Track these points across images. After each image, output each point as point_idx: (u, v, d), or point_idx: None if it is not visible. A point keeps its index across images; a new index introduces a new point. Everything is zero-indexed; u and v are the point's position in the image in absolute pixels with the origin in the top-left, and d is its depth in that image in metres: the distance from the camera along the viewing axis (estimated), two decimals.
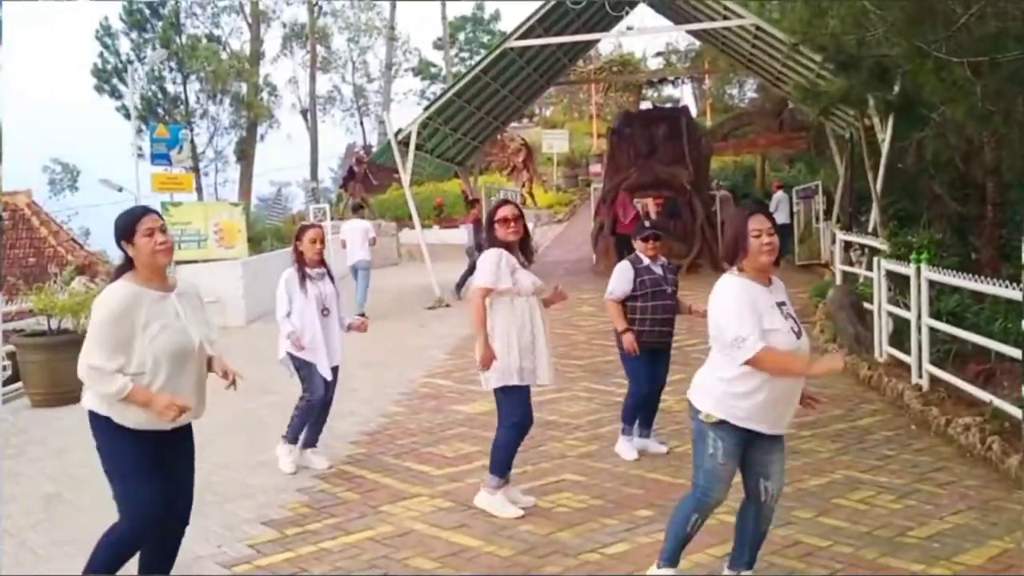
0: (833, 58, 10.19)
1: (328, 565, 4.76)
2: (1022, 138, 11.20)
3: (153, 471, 3.85)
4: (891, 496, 5.41)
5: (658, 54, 39.45)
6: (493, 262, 5.27)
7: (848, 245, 13.54)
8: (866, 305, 10.24)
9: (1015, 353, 6.87)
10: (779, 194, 21.37)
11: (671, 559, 4.06)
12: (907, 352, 8.19)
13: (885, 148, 13.74)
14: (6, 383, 9.81)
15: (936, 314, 8.04)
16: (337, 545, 5.05)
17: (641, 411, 6.56)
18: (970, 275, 7.62)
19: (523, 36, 16.68)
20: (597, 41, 22.67)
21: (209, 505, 5.67)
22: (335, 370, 6.53)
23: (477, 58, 30.13)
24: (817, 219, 19.36)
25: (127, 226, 3.86)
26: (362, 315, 13.89)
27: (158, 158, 16.00)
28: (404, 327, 13.65)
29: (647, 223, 6.84)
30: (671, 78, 37.03)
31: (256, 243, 19.69)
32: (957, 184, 14.46)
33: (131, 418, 3.80)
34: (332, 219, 25.06)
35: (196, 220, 15.50)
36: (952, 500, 5.36)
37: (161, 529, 3.95)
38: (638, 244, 6.46)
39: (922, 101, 11.04)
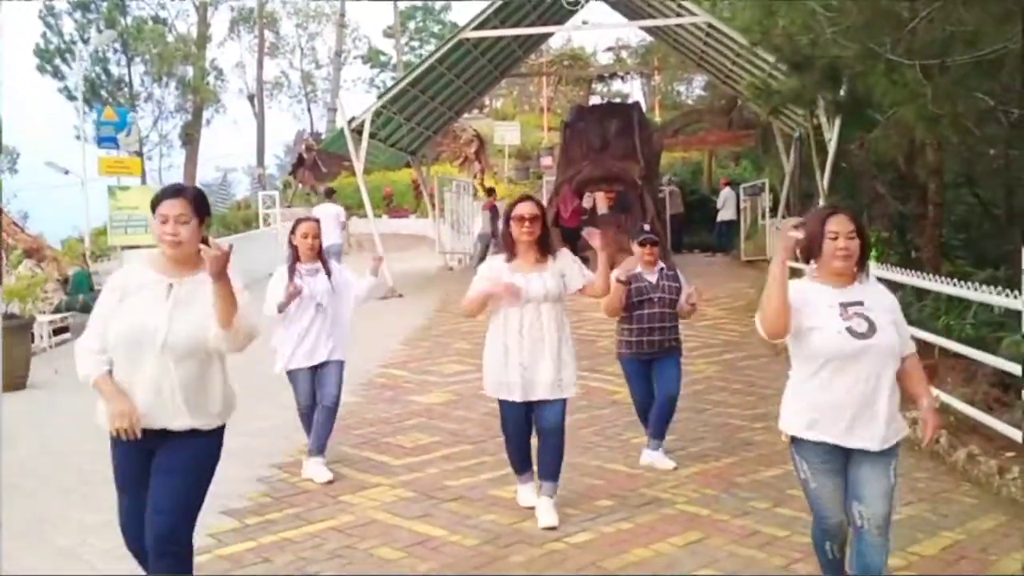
0: (787, 58, 10.37)
1: (291, 554, 4.74)
2: (964, 140, 11.53)
3: (130, 483, 3.53)
4: None
5: (608, 49, 39.66)
6: (478, 277, 5.14)
7: (794, 228, 13.75)
8: None
9: (959, 349, 7.10)
10: (726, 191, 21.65)
11: None
12: None
13: (832, 147, 14.03)
14: None
15: None
16: (299, 535, 5.03)
17: (645, 420, 6.28)
18: (916, 272, 7.84)
19: (479, 27, 16.66)
20: (552, 34, 22.72)
21: None
22: (333, 366, 6.09)
23: (428, 47, 30.10)
24: (763, 216, 19.66)
25: (153, 203, 3.55)
26: None
27: (105, 141, 15.72)
28: (356, 318, 13.56)
29: (645, 227, 6.48)
30: (621, 73, 37.24)
31: None
32: (898, 184, 14.82)
33: (103, 419, 3.47)
34: (280, 206, 24.82)
35: (144, 205, 15.18)
36: (903, 492, 5.48)
37: (139, 555, 3.60)
38: (636, 249, 6.18)
39: (870, 102, 11.30)
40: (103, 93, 35.10)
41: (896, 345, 3.53)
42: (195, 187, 3.75)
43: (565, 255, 5.16)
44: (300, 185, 30.47)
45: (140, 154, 28.07)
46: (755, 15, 12.72)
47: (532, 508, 5.19)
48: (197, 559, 4.43)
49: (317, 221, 6.30)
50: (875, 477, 3.55)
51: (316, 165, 29.48)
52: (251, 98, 45.75)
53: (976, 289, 6.70)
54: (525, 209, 5.03)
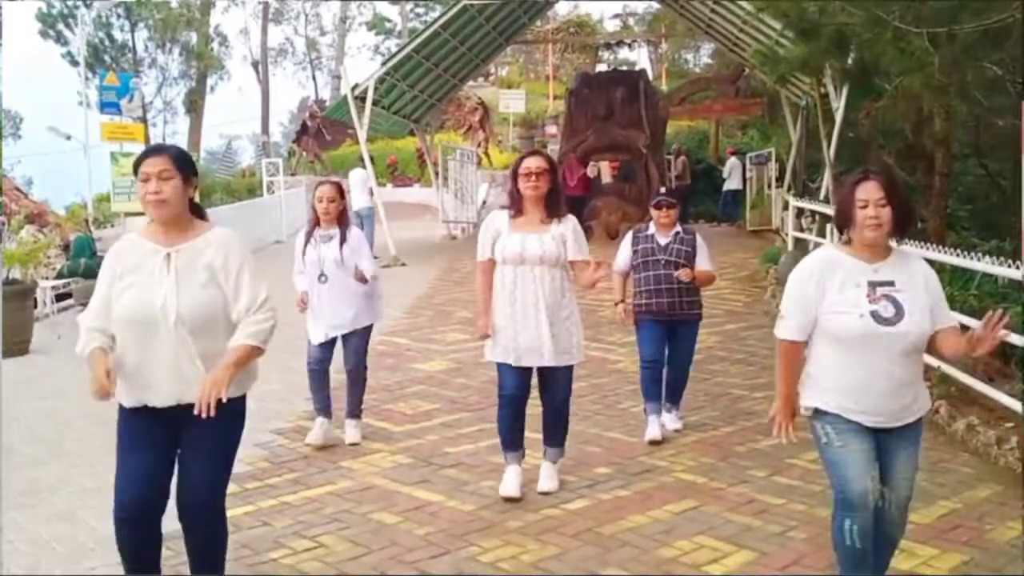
0: (793, 25, 10.24)
1: (290, 518, 4.77)
2: (971, 109, 11.43)
3: (135, 453, 3.36)
4: None
5: (615, 16, 39.36)
6: (480, 233, 5.03)
7: (800, 212, 13.73)
8: None
9: (962, 320, 7.06)
10: (732, 160, 21.57)
11: None
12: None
13: (839, 116, 13.92)
14: None
15: None
16: (298, 499, 5.06)
17: (655, 385, 6.10)
18: (921, 243, 7.80)
19: None
20: (556, 0, 22.51)
21: None
22: (352, 340, 6.04)
23: (433, 14, 29.70)
24: (769, 185, 19.57)
25: (134, 166, 3.37)
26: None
27: (107, 107, 15.63)
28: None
29: (662, 190, 6.42)
30: (628, 41, 36.94)
31: (206, 196, 19.41)
32: (905, 154, 14.72)
33: (121, 393, 3.36)
34: (284, 174, 24.76)
35: None
36: None
37: (138, 519, 3.38)
38: (652, 212, 6.12)
39: (878, 71, 11.18)
40: (106, 58, 34.87)
41: (925, 331, 3.33)
42: (177, 146, 3.61)
43: (570, 221, 4.94)
44: (304, 153, 30.40)
45: (144, 120, 27.99)
46: None
47: (512, 500, 4.91)
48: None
49: (335, 184, 6.12)
50: (902, 461, 3.44)
51: (320, 133, 29.41)
52: (255, 65, 45.59)
53: (979, 260, 6.66)
54: (532, 163, 4.84)
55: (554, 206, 4.90)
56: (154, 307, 3.27)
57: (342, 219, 5.98)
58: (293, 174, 27.46)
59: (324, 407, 6.12)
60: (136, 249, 3.39)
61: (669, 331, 6.14)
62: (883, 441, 3.41)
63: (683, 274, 5.97)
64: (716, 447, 5.86)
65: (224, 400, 3.18)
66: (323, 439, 6.01)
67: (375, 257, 13.74)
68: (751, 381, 7.66)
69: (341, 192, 6.07)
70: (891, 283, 3.33)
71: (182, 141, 38.52)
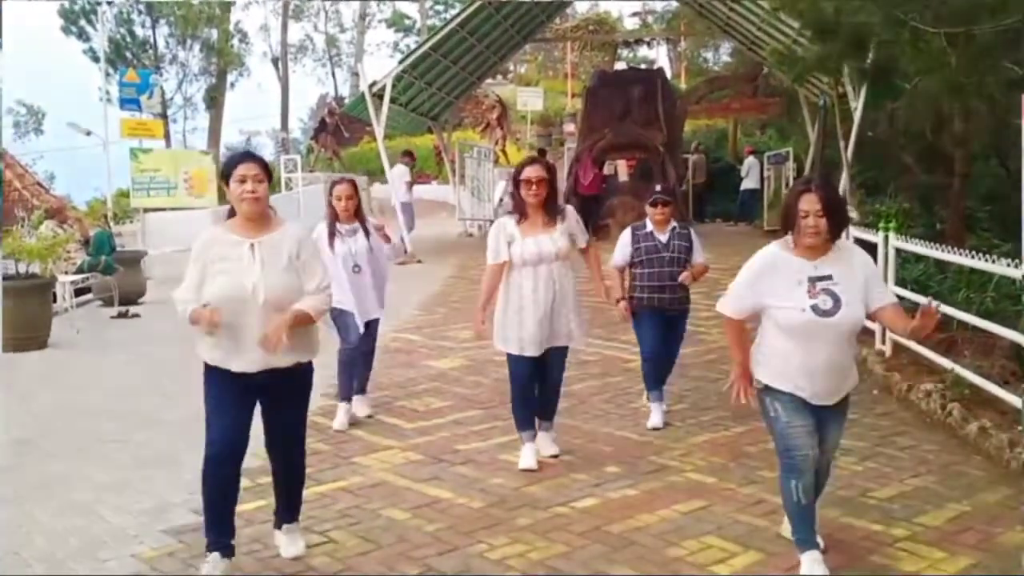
0: (811, 25, 10.22)
1: (301, 514, 4.79)
2: (991, 110, 11.35)
3: (223, 410, 3.96)
4: (853, 458, 5.54)
5: (634, 14, 39.25)
6: (491, 238, 5.42)
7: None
8: None
9: (977, 322, 7.04)
10: (750, 159, 21.47)
11: (803, 541, 3.95)
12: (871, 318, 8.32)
13: (857, 116, 13.85)
14: None
15: (901, 282, 8.18)
16: (309, 494, 5.04)
17: (658, 373, 6.45)
18: (935, 245, 7.77)
19: None
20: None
21: (182, 453, 5.70)
22: (372, 324, 6.56)
23: (453, 11, 29.77)
24: (787, 185, 19.46)
25: (225, 169, 3.98)
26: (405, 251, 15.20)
27: (127, 103, 15.75)
28: None
29: (657, 187, 6.66)
30: (647, 39, 36.83)
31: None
32: (925, 154, 14.62)
33: (207, 354, 3.96)
34: (302, 170, 24.85)
35: (165, 167, 15.30)
36: (912, 464, 5.50)
37: (231, 465, 4.00)
38: (648, 209, 6.35)
39: (896, 71, 11.12)
40: (127, 55, 35.14)
41: (859, 318, 3.83)
42: (261, 156, 4.30)
43: (571, 215, 5.45)
44: (322, 149, 30.49)
45: (164, 116, 28.21)
46: None
47: (531, 471, 5.39)
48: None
49: (351, 182, 6.50)
50: (833, 429, 4.03)
51: (339, 130, 29.50)
52: (275, 61, 45.76)
53: (994, 261, 6.62)
54: (531, 172, 5.27)
55: (552, 209, 5.36)
56: (246, 289, 3.86)
57: (359, 214, 6.39)
58: (311, 170, 27.55)
59: (348, 395, 6.54)
60: (221, 240, 3.97)
61: (666, 324, 6.41)
62: (820, 415, 3.94)
63: (686, 278, 6.23)
64: (726, 447, 5.87)
65: (284, 340, 3.82)
66: (347, 424, 6.43)
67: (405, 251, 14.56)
68: None
69: (356, 189, 6.44)
70: (829, 277, 3.78)
71: (202, 137, 38.82)
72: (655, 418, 6.31)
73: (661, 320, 6.36)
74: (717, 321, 6.61)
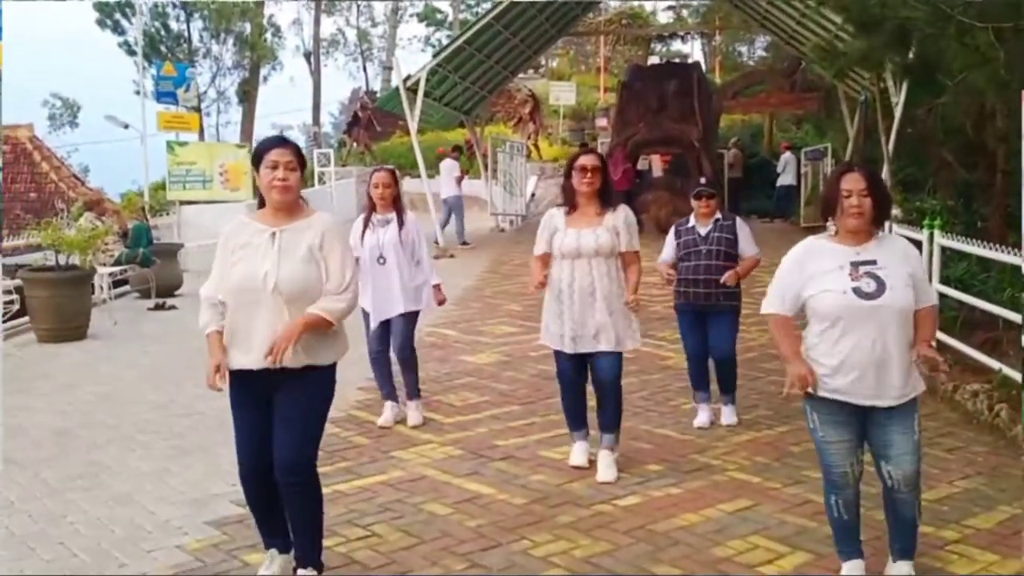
0: (855, 19, 10.07)
1: (343, 507, 4.79)
2: None
3: (242, 422, 3.75)
4: None
5: (668, 8, 38.99)
6: (539, 229, 5.25)
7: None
8: None
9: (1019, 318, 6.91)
10: (787, 155, 21.27)
11: (844, 552, 3.82)
12: None
13: (898, 112, 13.67)
14: (13, 317, 9.81)
15: (944, 280, 8.05)
16: (351, 488, 5.09)
17: (701, 374, 6.27)
18: (980, 242, 7.64)
19: None
20: None
21: (221, 446, 5.71)
22: (400, 321, 6.16)
23: (485, 6, 29.71)
24: (824, 181, 19.28)
25: (257, 153, 3.75)
26: (465, 243, 15.92)
27: (164, 96, 15.87)
28: None
29: (702, 179, 6.61)
30: (681, 33, 36.60)
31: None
32: (966, 151, 14.38)
33: (229, 357, 3.70)
34: (335, 164, 24.92)
35: (201, 160, 15.39)
36: (960, 465, 5.40)
37: (260, 467, 3.74)
38: (692, 202, 6.22)
39: (940, 66, 10.93)
40: (162, 48, 35.42)
41: (908, 303, 3.56)
42: (295, 142, 3.92)
43: (622, 211, 5.19)
44: (355, 144, 30.54)
45: (198, 110, 28.37)
46: None
47: (580, 468, 5.27)
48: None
49: (390, 171, 6.30)
50: (899, 436, 3.63)
51: (371, 124, 29.50)
52: (307, 55, 45.90)
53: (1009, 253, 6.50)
54: (587, 160, 5.12)
55: (605, 200, 5.16)
56: (257, 277, 3.62)
57: (397, 204, 6.16)
58: (344, 164, 27.61)
59: (390, 392, 6.38)
60: (245, 230, 3.75)
61: (707, 321, 6.22)
62: (875, 421, 3.64)
63: (729, 278, 6.00)
64: (770, 446, 5.79)
65: (290, 351, 3.54)
66: (393, 421, 6.27)
67: (465, 243, 14.89)
68: None
69: (395, 178, 6.24)
70: (873, 262, 3.58)
71: (235, 131, 39.07)
72: (702, 417, 6.21)
73: (699, 317, 6.19)
74: (756, 319, 6.54)
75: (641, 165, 17.97)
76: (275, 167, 3.64)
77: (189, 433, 6.25)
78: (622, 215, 5.16)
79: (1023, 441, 5.71)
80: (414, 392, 6.38)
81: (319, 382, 3.74)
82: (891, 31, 10.11)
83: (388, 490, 5.06)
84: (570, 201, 5.16)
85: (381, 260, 6.06)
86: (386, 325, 6.22)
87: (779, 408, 6.70)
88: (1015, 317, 6.95)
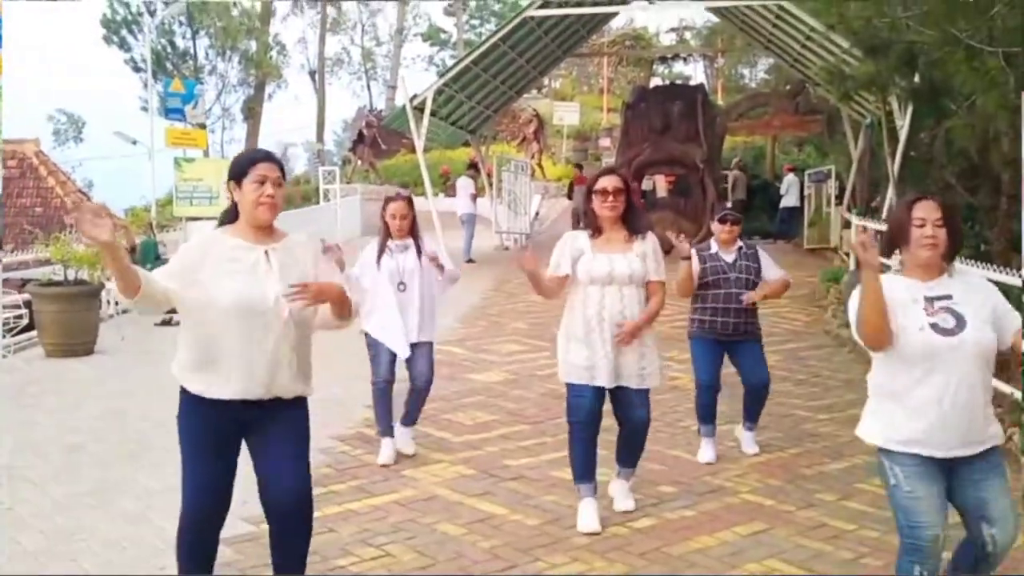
0: (863, 43, 10.12)
1: (355, 526, 4.78)
2: None
3: (209, 454, 3.42)
4: None
5: (672, 30, 39.18)
6: (557, 248, 4.87)
7: (863, 231, 13.52)
8: None
9: None
10: (790, 177, 21.34)
11: None
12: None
13: (903, 135, 13.72)
14: (21, 331, 9.81)
15: None
16: (363, 507, 5.07)
17: (710, 407, 6.03)
18: (984, 264, 7.64)
19: (543, 5, 16.57)
20: (616, 13, 22.48)
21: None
22: (424, 347, 5.99)
23: (488, 26, 29.83)
24: (828, 203, 19.31)
25: (241, 166, 3.42)
26: (470, 260, 15.68)
27: (172, 112, 15.93)
28: None
29: (728, 204, 6.43)
30: (684, 55, 36.78)
31: None
32: (969, 174, 14.42)
33: (188, 378, 3.43)
34: (340, 182, 24.97)
35: (208, 177, 15.40)
36: None
37: (211, 527, 3.52)
38: (715, 227, 6.08)
39: (947, 90, 10.97)
40: (168, 65, 35.59)
41: (990, 342, 3.22)
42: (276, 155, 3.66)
43: (651, 239, 4.84)
44: (359, 161, 30.63)
45: (203, 126, 28.47)
46: None
47: (592, 534, 4.70)
48: (262, 527, 4.47)
49: (407, 199, 6.05)
50: (995, 492, 3.27)
51: (376, 142, 29.63)
52: (312, 74, 46.09)
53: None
54: (608, 182, 4.72)
55: (634, 223, 4.81)
56: (267, 301, 3.33)
57: (414, 230, 5.96)
58: (348, 182, 27.67)
59: (388, 428, 6.05)
60: (222, 243, 3.42)
61: (728, 352, 6.08)
62: (965, 475, 3.27)
63: (748, 299, 5.90)
64: (782, 468, 5.77)
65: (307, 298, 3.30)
66: (394, 459, 5.96)
67: (471, 260, 14.91)
68: (815, 403, 7.54)
69: (412, 205, 6.03)
70: (948, 296, 3.26)
71: (239, 148, 39.12)
72: (707, 453, 5.99)
73: (719, 348, 6.01)
74: (764, 341, 6.52)
75: (645, 185, 17.99)
76: (263, 182, 3.35)
77: None
78: (651, 243, 4.81)
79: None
80: (415, 419, 6.20)
81: (302, 414, 3.56)
82: (899, 54, 10.18)
83: (400, 509, 5.04)
84: (594, 225, 4.79)
85: (402, 287, 5.84)
86: (394, 357, 5.98)
87: (788, 430, 6.70)
88: None
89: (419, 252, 5.90)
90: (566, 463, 5.68)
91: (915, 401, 3.23)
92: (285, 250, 3.45)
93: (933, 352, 3.19)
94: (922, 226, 3.23)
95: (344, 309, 3.47)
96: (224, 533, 4.61)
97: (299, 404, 3.51)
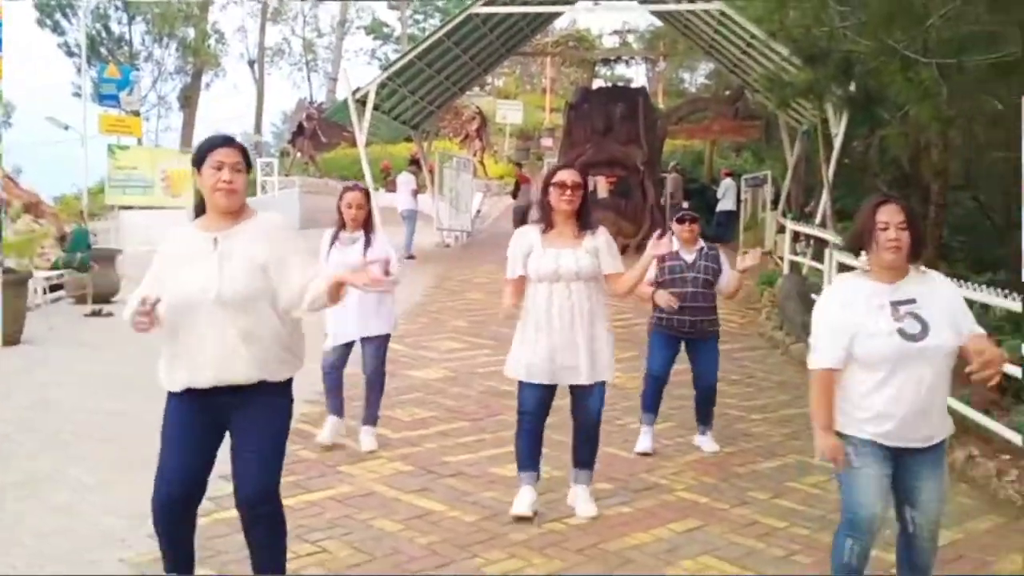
0: (802, 51, 10.32)
1: (290, 522, 4.62)
2: (968, 142, 11.51)
3: (182, 444, 3.41)
4: None
5: (614, 32, 39.51)
6: (510, 250, 4.84)
7: (797, 236, 13.80)
8: (814, 296, 10.45)
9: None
10: (727, 181, 21.66)
11: None
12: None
13: (838, 143, 14.03)
14: None
15: None
16: (298, 503, 5.01)
17: (656, 396, 6.18)
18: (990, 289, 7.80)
19: (488, 3, 16.56)
20: (561, 13, 22.59)
21: None
22: (370, 344, 6.04)
23: (432, 21, 29.75)
24: (764, 208, 19.66)
25: (200, 153, 3.40)
26: (411, 257, 15.21)
27: (106, 99, 15.57)
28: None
29: (685, 204, 6.54)
30: (626, 57, 37.10)
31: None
32: (900, 183, 14.83)
33: (170, 380, 3.44)
34: (278, 174, 24.69)
35: (143, 165, 15.16)
36: None
37: (178, 512, 3.47)
38: (674, 226, 6.09)
39: (882, 99, 11.24)
40: (103, 50, 34.77)
41: (952, 344, 3.32)
42: (240, 142, 3.59)
43: (603, 233, 4.81)
44: (299, 154, 30.30)
45: (138, 114, 27.87)
46: (768, 5, 12.69)
47: (527, 518, 4.79)
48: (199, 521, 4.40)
49: (364, 191, 6.08)
50: (931, 483, 3.44)
51: (316, 134, 29.29)
52: (251, 63, 45.42)
53: (981, 291, 6.71)
54: (567, 176, 4.72)
55: (585, 220, 4.79)
56: (195, 287, 3.31)
57: (368, 224, 5.96)
58: (287, 175, 27.34)
59: (337, 408, 6.19)
60: (186, 240, 3.45)
61: (685, 348, 6.22)
62: (908, 464, 3.42)
63: (732, 294, 6.16)
64: (716, 467, 5.87)
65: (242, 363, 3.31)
66: (332, 439, 6.07)
67: (411, 257, 14.70)
68: (748, 403, 7.68)
69: (368, 198, 6.05)
70: (912, 300, 3.34)
71: (175, 136, 38.49)
72: (644, 442, 6.12)
73: (676, 343, 6.13)
74: None
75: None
76: (220, 168, 3.33)
77: (131, 444, 6.08)
78: (603, 237, 4.78)
79: (960, 468, 5.87)
80: (373, 416, 6.18)
81: (277, 402, 3.48)
82: (837, 63, 10.40)
83: (337, 506, 5.00)
84: (547, 219, 4.77)
85: None
86: (346, 347, 6.09)
87: (722, 430, 6.79)
88: None
89: (367, 245, 5.88)
90: (505, 460, 5.74)
91: (879, 402, 3.33)
92: (237, 235, 3.39)
93: (899, 357, 3.29)
94: (886, 229, 3.31)
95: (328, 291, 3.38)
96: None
97: (267, 391, 3.41)
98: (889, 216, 3.30)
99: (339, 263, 5.81)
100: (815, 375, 3.44)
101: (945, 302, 3.38)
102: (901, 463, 3.42)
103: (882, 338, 3.29)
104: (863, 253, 3.49)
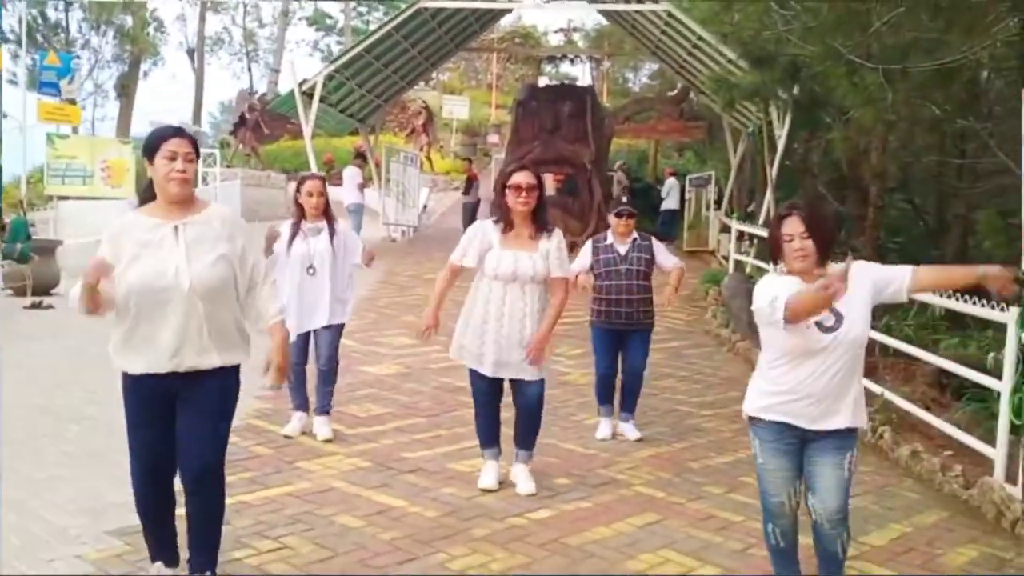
0: (750, 54, 10.52)
1: (250, 518, 4.68)
2: (906, 146, 11.83)
3: (144, 422, 3.56)
4: None
5: (560, 30, 39.67)
6: (465, 236, 5.03)
7: (740, 235, 14.03)
8: None
9: (900, 346, 7.33)
10: (671, 180, 21.92)
11: None
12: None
13: (781, 144, 14.30)
14: None
15: None
16: (256, 499, 4.97)
17: (608, 391, 6.45)
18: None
19: None
20: (510, 10, 22.60)
21: (115, 452, 5.47)
22: (328, 333, 6.09)
23: (376, 14, 29.54)
24: (707, 207, 19.94)
25: (152, 143, 3.49)
26: None
27: (46, 86, 15.20)
28: None
29: (624, 199, 6.72)
30: (572, 56, 37.26)
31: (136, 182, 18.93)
32: (838, 184, 15.19)
33: (128, 363, 3.52)
34: (220, 166, 24.28)
35: (82, 155, 14.81)
36: None
37: (159, 482, 3.65)
38: (611, 220, 6.32)
39: (824, 102, 11.50)
40: (38, 37, 33.86)
41: (863, 335, 3.58)
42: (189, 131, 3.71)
43: (556, 236, 4.98)
44: (240, 145, 29.85)
45: (74, 102, 27.22)
46: (713, 7, 12.90)
47: (490, 491, 5.15)
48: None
49: (322, 178, 6.16)
50: (829, 470, 3.65)
51: (259, 126, 28.89)
52: (190, 52, 44.61)
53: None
54: (522, 178, 4.85)
55: (541, 221, 4.96)
56: (167, 276, 3.43)
57: (328, 212, 6.01)
58: (228, 166, 26.93)
59: (302, 403, 6.22)
60: (139, 226, 3.51)
61: (622, 339, 6.40)
62: (812, 449, 3.66)
63: (668, 300, 6.28)
64: (670, 462, 5.95)
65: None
66: (299, 432, 6.13)
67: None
68: (698, 399, 7.80)
69: (326, 186, 6.11)
70: None
71: (111, 126, 37.65)
72: (604, 430, 6.41)
73: (615, 336, 6.35)
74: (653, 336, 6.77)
75: None
76: (173, 158, 3.43)
77: (80, 439, 6.00)
78: (556, 241, 4.95)
79: (906, 463, 6.05)
80: (327, 406, 6.21)
81: (226, 384, 3.64)
82: (783, 67, 10.63)
83: (296, 501, 4.97)
84: (505, 219, 4.92)
85: (311, 270, 5.90)
86: (307, 337, 6.10)
87: (674, 425, 6.91)
88: (891, 342, 7.39)
89: (332, 234, 5.95)
90: (462, 456, 5.77)
91: (791, 384, 3.60)
92: (198, 224, 3.52)
93: (816, 346, 3.54)
94: (790, 241, 3.56)
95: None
96: (112, 524, 4.50)
97: (220, 375, 3.58)
98: (791, 228, 3.55)
99: (303, 254, 5.92)
100: (787, 312, 3.40)
101: (864, 291, 3.55)
102: (808, 448, 3.67)
103: (800, 329, 3.48)
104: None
